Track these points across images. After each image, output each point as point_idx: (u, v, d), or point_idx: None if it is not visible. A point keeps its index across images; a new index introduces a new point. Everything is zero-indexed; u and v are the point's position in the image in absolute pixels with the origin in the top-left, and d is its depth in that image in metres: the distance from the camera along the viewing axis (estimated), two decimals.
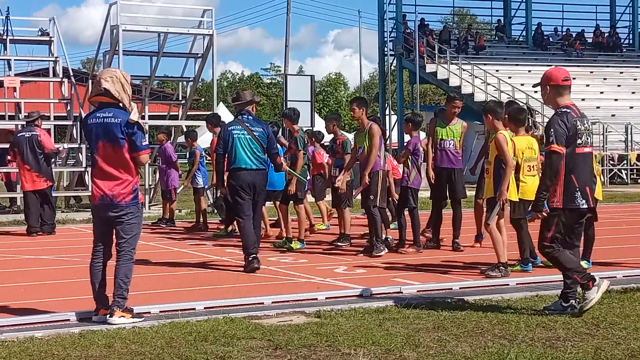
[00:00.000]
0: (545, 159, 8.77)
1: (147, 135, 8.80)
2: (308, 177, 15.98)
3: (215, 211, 20.33)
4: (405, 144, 13.74)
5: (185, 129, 23.06)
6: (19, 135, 17.77)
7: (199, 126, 31.63)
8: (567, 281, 8.70)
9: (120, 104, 8.57)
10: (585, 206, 8.62)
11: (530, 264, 11.53)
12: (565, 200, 8.57)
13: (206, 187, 18.59)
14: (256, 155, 12.17)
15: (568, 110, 8.59)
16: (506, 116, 11.60)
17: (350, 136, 15.34)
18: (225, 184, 12.33)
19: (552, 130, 8.51)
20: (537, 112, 33.18)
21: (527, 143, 11.59)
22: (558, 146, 8.44)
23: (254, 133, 12.23)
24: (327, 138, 17.51)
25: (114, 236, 8.68)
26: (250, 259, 11.77)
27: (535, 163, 11.65)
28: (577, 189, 8.55)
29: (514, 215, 11.52)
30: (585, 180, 8.59)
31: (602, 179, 33.23)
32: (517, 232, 11.55)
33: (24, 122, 19.09)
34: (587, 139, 8.66)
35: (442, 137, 13.65)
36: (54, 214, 17.67)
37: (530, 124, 12.93)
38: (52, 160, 18.10)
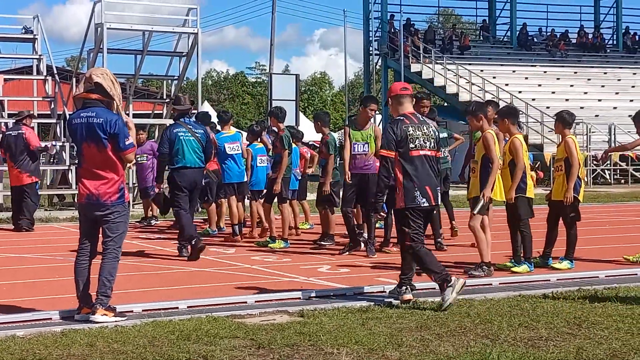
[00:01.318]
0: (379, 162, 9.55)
1: (133, 132, 8.74)
2: (299, 177, 16.03)
3: (199, 210, 20.34)
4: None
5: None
6: (6, 133, 18.00)
7: None
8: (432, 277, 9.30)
9: (106, 102, 8.56)
10: (426, 204, 9.26)
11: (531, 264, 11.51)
12: (407, 200, 9.24)
13: None
14: (198, 155, 13.29)
15: (401, 118, 9.38)
16: (496, 116, 11.65)
17: (336, 135, 15.30)
18: (168, 180, 13.43)
19: (383, 136, 9.58)
20: (521, 113, 33.22)
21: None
22: (386, 151, 9.29)
23: (197, 134, 13.30)
24: (316, 137, 17.52)
25: (99, 235, 8.68)
26: (194, 242, 12.81)
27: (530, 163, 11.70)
28: (416, 189, 9.20)
29: (521, 217, 11.44)
30: (422, 180, 9.23)
31: (586, 180, 33.35)
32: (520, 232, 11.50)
33: (12, 121, 19.11)
34: (426, 143, 9.32)
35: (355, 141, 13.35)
36: (34, 209, 17.62)
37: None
38: (39, 157, 18.06)
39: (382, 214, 9.94)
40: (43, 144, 18.65)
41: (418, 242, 9.28)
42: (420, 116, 9.66)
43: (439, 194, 9.56)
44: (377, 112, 13.51)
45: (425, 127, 9.42)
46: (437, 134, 9.56)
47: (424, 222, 9.54)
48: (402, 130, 9.27)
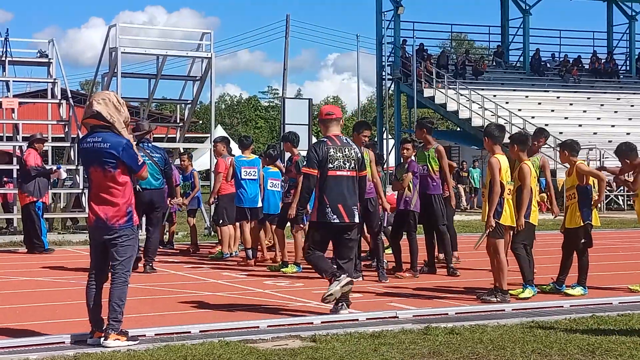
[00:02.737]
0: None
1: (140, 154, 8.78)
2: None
3: (212, 233, 20.35)
4: (406, 166, 13.65)
5: (182, 151, 23.06)
6: (19, 156, 18.25)
7: (196, 148, 31.63)
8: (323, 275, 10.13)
9: (108, 126, 8.57)
10: (337, 221, 10.01)
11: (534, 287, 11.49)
12: (319, 216, 10.05)
13: (200, 207, 18.62)
14: (155, 177, 14.17)
15: (325, 140, 10.16)
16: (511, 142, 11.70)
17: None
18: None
19: (306, 156, 10.32)
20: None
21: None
22: (308, 169, 10.06)
23: (154, 158, 14.21)
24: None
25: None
26: (148, 261, 14.18)
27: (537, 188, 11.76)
28: (328, 206, 9.97)
29: (516, 239, 11.48)
30: (336, 198, 9.99)
31: (600, 205, 33.21)
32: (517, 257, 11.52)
33: (22, 144, 19.26)
34: (345, 164, 10.08)
35: None
36: (37, 231, 17.62)
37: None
38: (36, 177, 17.98)
39: (301, 225, 10.91)
40: (48, 166, 18.61)
41: (314, 250, 10.11)
42: (344, 138, 10.29)
43: (355, 212, 10.16)
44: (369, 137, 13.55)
45: (347, 149, 10.17)
46: (359, 155, 10.27)
47: (343, 240, 10.22)
48: (324, 151, 10.04)
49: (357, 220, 10.27)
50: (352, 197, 10.15)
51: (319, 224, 10.12)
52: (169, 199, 15.11)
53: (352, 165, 10.15)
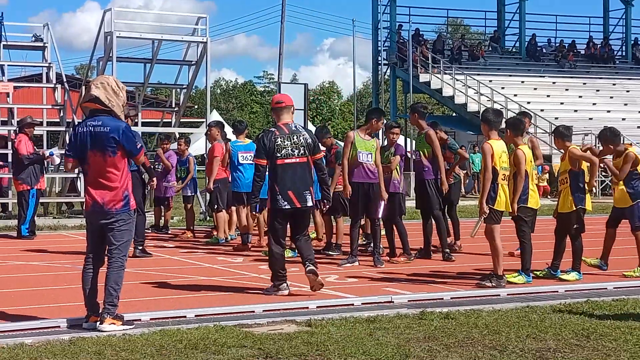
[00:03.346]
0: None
1: (140, 139, 8.80)
2: None
3: (207, 217, 20.37)
4: (394, 150, 13.67)
5: (178, 136, 23.04)
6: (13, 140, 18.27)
7: (192, 133, 31.59)
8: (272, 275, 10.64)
9: (107, 110, 8.57)
10: (288, 207, 10.39)
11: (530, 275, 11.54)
12: (272, 202, 10.47)
13: (196, 193, 18.62)
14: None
15: (273, 130, 10.56)
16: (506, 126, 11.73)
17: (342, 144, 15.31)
18: None
19: (257, 144, 10.75)
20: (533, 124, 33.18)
21: (529, 153, 11.65)
22: (258, 159, 10.56)
23: None
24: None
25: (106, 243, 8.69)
26: (137, 245, 14.01)
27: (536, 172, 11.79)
28: (278, 193, 10.37)
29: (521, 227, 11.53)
30: (285, 185, 10.38)
31: (594, 190, 33.23)
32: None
33: (17, 128, 19.18)
34: (294, 151, 10.43)
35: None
36: (26, 218, 17.62)
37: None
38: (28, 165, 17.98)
39: (254, 213, 11.67)
40: (43, 151, 18.54)
41: (276, 243, 10.53)
42: (293, 126, 10.62)
43: (307, 196, 10.49)
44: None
45: (295, 137, 10.51)
46: (309, 141, 10.56)
47: (298, 221, 10.66)
48: (271, 141, 10.43)
49: (309, 204, 10.59)
50: (304, 182, 10.52)
51: (272, 210, 10.58)
52: (150, 182, 14.86)
53: (302, 151, 10.51)
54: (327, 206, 11.19)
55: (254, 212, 13.12)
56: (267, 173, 10.64)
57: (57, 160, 17.56)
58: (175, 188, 18.44)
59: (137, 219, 14.27)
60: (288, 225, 10.74)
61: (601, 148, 12.80)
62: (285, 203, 10.40)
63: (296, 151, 10.47)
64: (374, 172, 13.12)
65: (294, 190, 10.41)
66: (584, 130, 35.01)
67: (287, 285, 10.55)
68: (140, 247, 14.22)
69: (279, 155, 10.41)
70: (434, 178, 13.85)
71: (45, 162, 18.50)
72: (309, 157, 10.58)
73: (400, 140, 15.11)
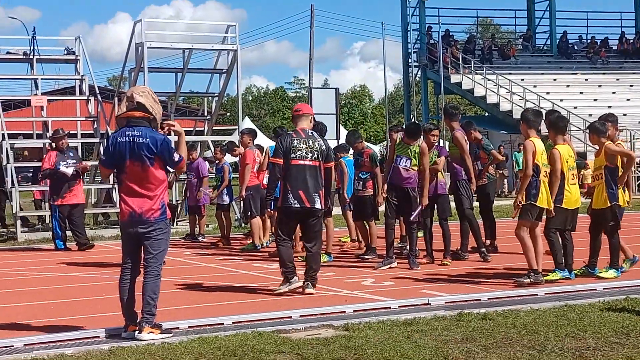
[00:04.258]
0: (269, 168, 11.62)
1: (183, 137, 8.84)
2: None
3: (242, 225, 20.41)
4: (437, 152, 13.68)
5: (210, 144, 23.13)
6: None
7: (224, 141, 31.64)
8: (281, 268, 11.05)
9: (150, 120, 8.65)
10: (297, 205, 10.85)
11: (572, 273, 11.47)
12: (283, 201, 10.94)
13: (232, 201, 18.67)
14: None
15: (291, 133, 11.16)
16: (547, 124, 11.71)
17: (376, 148, 15.35)
18: None
19: (274, 146, 11.30)
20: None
21: (568, 151, 11.59)
22: (274, 159, 11.07)
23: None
24: None
25: (142, 253, 8.73)
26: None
27: (575, 172, 11.70)
28: (290, 192, 10.85)
29: (549, 225, 11.47)
30: (297, 185, 10.84)
31: (631, 185, 32.91)
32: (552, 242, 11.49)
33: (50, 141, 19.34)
34: (308, 154, 10.93)
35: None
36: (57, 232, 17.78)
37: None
38: (40, 179, 18.51)
39: (269, 211, 12.27)
40: (62, 168, 18.46)
41: (284, 240, 10.97)
42: (309, 132, 11.15)
43: (317, 198, 10.92)
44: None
45: (310, 141, 11.04)
46: (323, 148, 11.07)
47: (308, 224, 11.05)
48: (288, 142, 10.94)
49: (317, 206, 10.97)
50: (314, 184, 10.95)
51: (282, 208, 11.02)
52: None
53: (315, 156, 11.00)
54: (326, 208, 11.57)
55: (269, 210, 13.21)
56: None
57: (68, 171, 17.52)
58: (212, 196, 18.50)
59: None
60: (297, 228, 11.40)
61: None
62: (296, 202, 10.85)
63: (310, 155, 10.97)
64: (411, 177, 13.10)
65: (304, 190, 10.86)
66: (619, 126, 34.62)
67: (297, 278, 10.93)
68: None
69: (293, 156, 10.91)
70: (464, 179, 13.84)
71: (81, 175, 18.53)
72: (321, 163, 11.06)
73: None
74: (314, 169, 10.99)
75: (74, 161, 17.73)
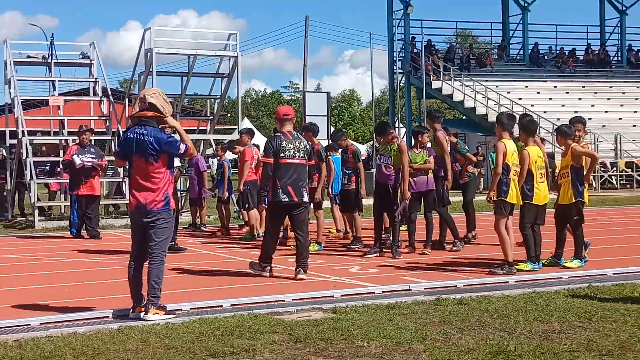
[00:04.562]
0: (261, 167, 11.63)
1: (182, 132, 8.84)
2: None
3: (239, 216, 20.39)
4: (427, 152, 13.66)
5: (213, 143, 23.08)
6: None
7: (225, 139, 31.58)
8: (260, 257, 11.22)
9: (160, 119, 8.68)
10: (286, 199, 11.01)
11: (540, 263, 11.45)
12: (273, 196, 11.02)
13: (231, 195, 18.65)
14: None
15: (279, 134, 11.17)
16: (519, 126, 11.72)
17: (362, 147, 15.34)
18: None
19: (264, 148, 11.31)
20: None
21: (538, 152, 11.59)
22: (265, 158, 11.12)
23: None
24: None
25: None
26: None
27: (543, 171, 11.70)
28: (279, 187, 10.96)
29: (523, 220, 11.47)
30: (286, 181, 10.97)
31: (594, 185, 33.05)
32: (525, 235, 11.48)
33: (72, 138, 19.33)
34: (295, 154, 11.07)
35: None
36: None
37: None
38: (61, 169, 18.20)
39: (264, 205, 12.01)
40: (74, 158, 18.35)
41: (272, 235, 11.20)
42: (295, 133, 11.33)
43: (304, 192, 11.13)
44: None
45: (297, 142, 11.19)
46: (307, 147, 11.30)
47: (296, 215, 11.18)
48: (278, 143, 11.05)
49: (305, 199, 11.20)
50: (301, 180, 11.14)
51: (272, 202, 11.14)
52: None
53: (302, 154, 11.16)
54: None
55: (263, 205, 13.16)
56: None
57: (76, 160, 17.49)
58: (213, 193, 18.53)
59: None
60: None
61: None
62: (285, 196, 10.99)
63: (297, 154, 11.12)
64: (391, 174, 13.10)
65: (292, 185, 11.02)
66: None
67: (270, 268, 11.23)
68: (172, 243, 14.16)
69: (282, 155, 11.04)
70: (442, 176, 13.84)
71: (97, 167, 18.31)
72: (306, 161, 11.27)
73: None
74: (302, 167, 11.18)
75: (92, 156, 17.66)
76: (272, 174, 11.07)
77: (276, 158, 11.05)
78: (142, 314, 8.48)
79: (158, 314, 8.47)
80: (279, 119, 11.41)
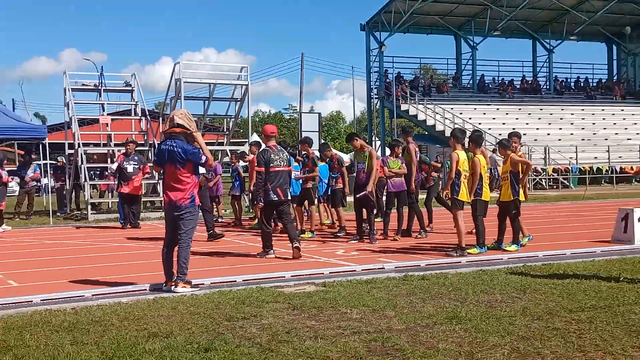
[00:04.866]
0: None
1: (203, 144, 8.75)
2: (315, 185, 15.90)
3: (250, 210, 20.31)
4: (400, 161, 13.63)
5: (229, 153, 23.03)
6: None
7: (238, 150, 31.53)
8: (263, 245, 11.34)
9: (188, 132, 8.62)
10: (276, 198, 11.20)
11: (485, 247, 11.43)
12: (265, 196, 11.23)
13: (242, 193, 18.62)
14: None
15: (267, 149, 11.29)
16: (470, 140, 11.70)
17: (345, 156, 15.33)
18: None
19: (257, 159, 11.34)
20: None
21: (483, 160, 11.57)
22: (258, 168, 11.24)
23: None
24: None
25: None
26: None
27: (488, 174, 11.72)
28: (270, 190, 11.17)
29: (475, 213, 11.46)
30: (276, 184, 11.18)
31: (528, 186, 33.05)
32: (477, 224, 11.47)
33: (119, 149, 19.23)
34: (281, 163, 11.24)
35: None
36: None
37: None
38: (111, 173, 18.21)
39: (260, 204, 11.64)
40: (113, 166, 18.30)
41: (267, 226, 11.33)
42: (279, 147, 11.47)
43: (288, 192, 11.37)
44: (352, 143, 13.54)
45: (281, 154, 11.34)
46: (288, 157, 11.45)
47: (282, 210, 11.33)
48: (268, 156, 11.20)
49: (289, 198, 11.47)
50: (286, 183, 11.34)
51: (266, 201, 11.30)
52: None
53: (286, 163, 11.37)
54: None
55: (256, 203, 12.98)
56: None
57: (113, 166, 17.51)
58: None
59: (206, 215, 14.11)
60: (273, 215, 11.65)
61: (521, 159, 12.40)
62: (275, 196, 11.20)
63: (282, 163, 11.30)
64: (363, 177, 13.07)
65: (280, 187, 11.23)
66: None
67: (273, 251, 11.31)
68: (210, 231, 14.09)
69: (272, 164, 11.20)
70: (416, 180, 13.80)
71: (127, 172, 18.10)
72: (289, 167, 11.47)
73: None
74: (286, 172, 11.37)
75: (135, 162, 17.50)
76: (264, 179, 11.21)
77: (267, 167, 11.21)
78: (172, 288, 8.47)
79: (185, 287, 8.46)
80: (266, 136, 11.45)
